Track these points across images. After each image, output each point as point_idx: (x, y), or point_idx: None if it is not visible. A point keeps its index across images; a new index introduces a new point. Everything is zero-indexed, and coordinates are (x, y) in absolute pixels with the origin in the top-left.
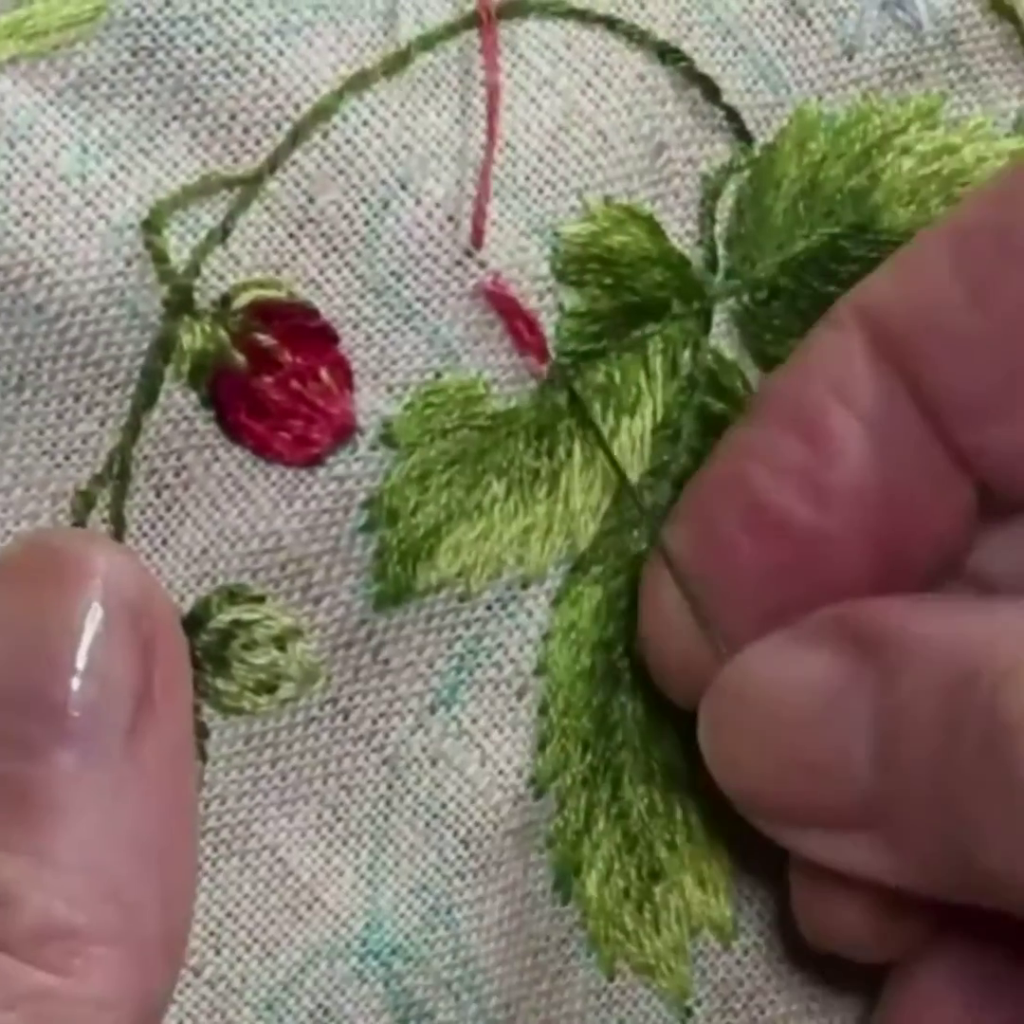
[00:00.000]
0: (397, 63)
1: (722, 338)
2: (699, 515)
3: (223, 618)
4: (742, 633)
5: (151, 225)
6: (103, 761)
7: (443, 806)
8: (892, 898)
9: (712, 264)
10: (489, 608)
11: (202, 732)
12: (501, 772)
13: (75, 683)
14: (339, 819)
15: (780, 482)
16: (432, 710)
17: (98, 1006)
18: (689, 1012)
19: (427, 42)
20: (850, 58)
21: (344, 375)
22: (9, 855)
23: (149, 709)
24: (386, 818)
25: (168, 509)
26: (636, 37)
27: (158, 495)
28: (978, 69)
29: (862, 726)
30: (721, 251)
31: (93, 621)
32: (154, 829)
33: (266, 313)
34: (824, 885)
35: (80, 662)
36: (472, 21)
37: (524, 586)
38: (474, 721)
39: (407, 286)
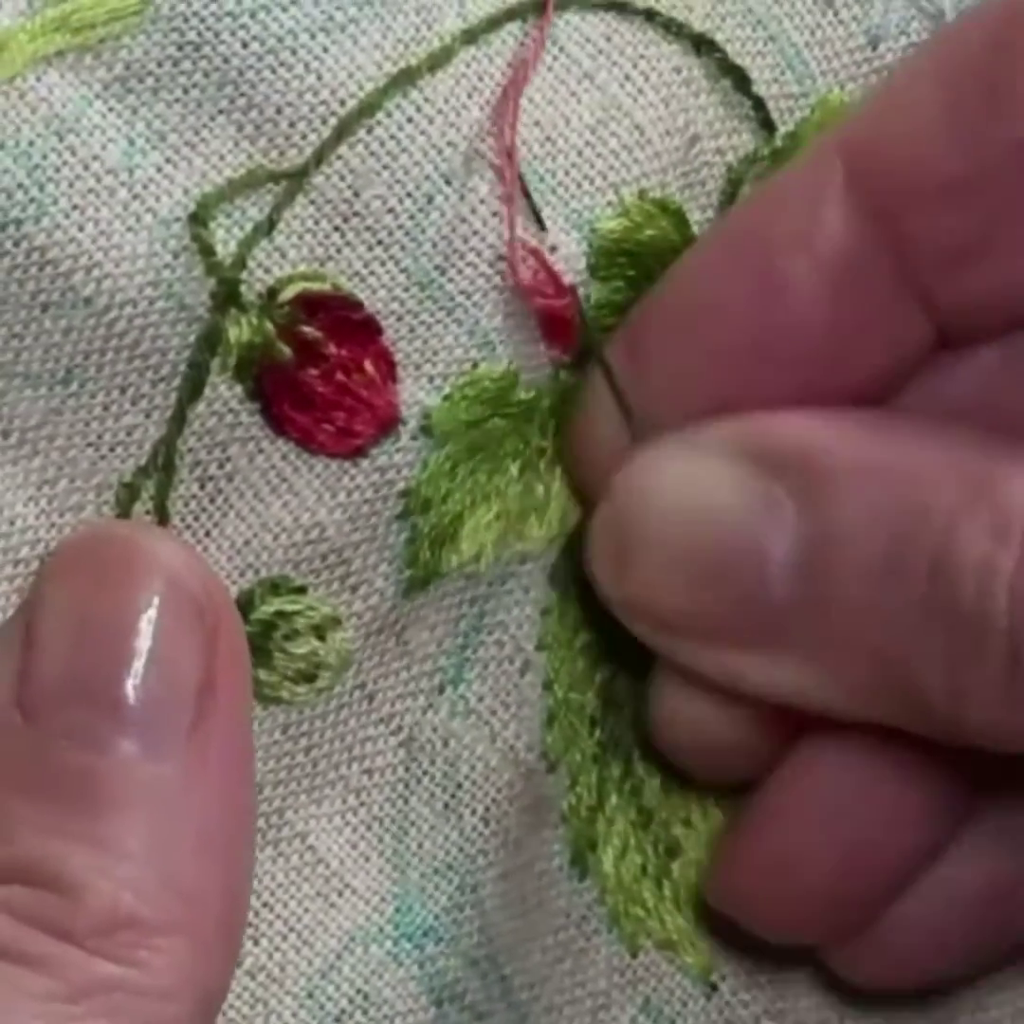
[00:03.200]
0: (441, 59)
1: None
2: (639, 338)
3: (266, 609)
4: None
5: (198, 218)
6: (166, 752)
7: (459, 786)
8: (761, 712)
9: None
10: (490, 585)
11: None
12: (511, 748)
13: (139, 675)
14: (362, 804)
15: (726, 321)
16: (440, 690)
17: (162, 997)
18: (714, 987)
19: (470, 37)
20: (874, 48)
21: (388, 367)
22: (76, 845)
23: (211, 701)
24: (406, 801)
25: (212, 501)
26: (673, 29)
27: (202, 487)
28: None
29: (780, 554)
30: None
31: (157, 614)
32: (215, 820)
33: (311, 305)
34: (694, 699)
35: (144, 654)
36: (515, 14)
37: (521, 562)
38: (480, 699)
39: (451, 279)
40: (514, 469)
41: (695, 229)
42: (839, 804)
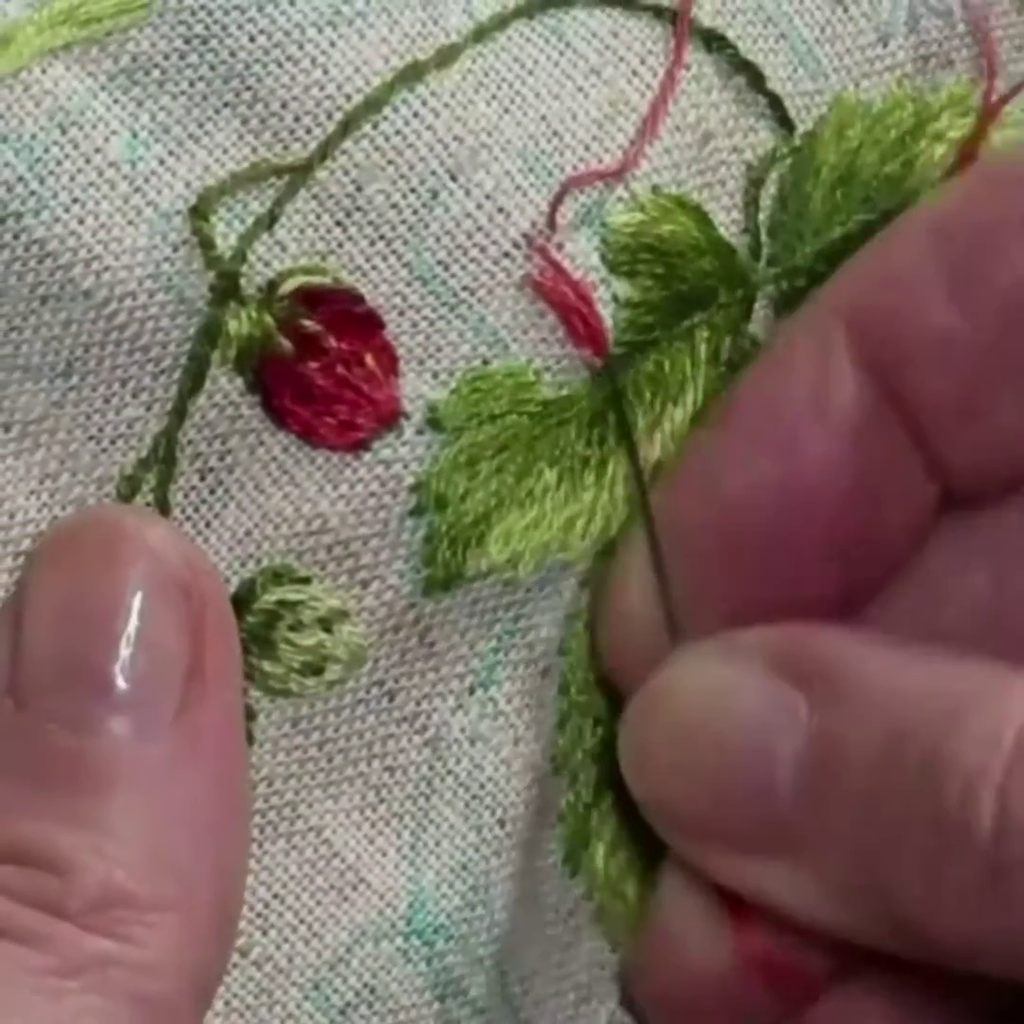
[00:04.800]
0: (448, 55)
1: (759, 324)
2: (669, 518)
3: (268, 599)
4: (705, 632)
5: (199, 211)
6: (155, 733)
7: (481, 786)
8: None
9: (756, 252)
10: (528, 590)
11: (249, 714)
12: (531, 751)
13: (126, 656)
14: (382, 800)
15: (751, 491)
16: (471, 691)
17: (154, 973)
18: None
19: (478, 34)
20: (885, 45)
21: (389, 361)
22: (67, 826)
23: (199, 682)
24: (427, 799)
25: (212, 492)
26: None
27: (202, 479)
28: (1007, 56)
29: (789, 754)
30: (764, 238)
31: (143, 595)
32: (206, 800)
33: (312, 299)
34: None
35: (131, 635)
36: (521, 12)
37: (562, 570)
38: (509, 701)
39: (454, 275)
40: (551, 476)
41: (721, 230)
42: None
